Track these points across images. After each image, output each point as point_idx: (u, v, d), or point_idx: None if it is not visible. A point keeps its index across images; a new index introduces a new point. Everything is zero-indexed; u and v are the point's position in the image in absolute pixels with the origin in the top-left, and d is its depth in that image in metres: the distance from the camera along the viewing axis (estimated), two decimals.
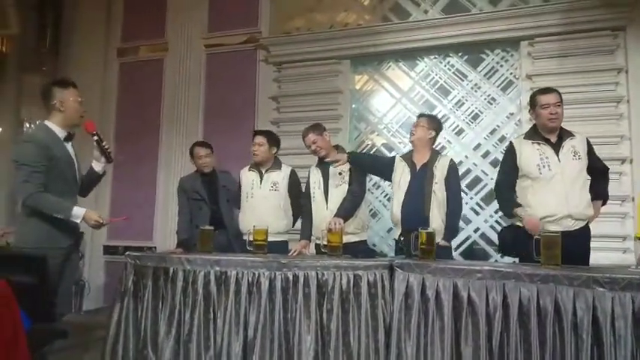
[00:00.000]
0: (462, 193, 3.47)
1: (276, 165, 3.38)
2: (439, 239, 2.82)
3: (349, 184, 3.09)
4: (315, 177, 3.22)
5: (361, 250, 2.84)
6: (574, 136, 2.74)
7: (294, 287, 2.42)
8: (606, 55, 3.99)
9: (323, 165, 3.21)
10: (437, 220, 2.86)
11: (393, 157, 3.24)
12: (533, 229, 2.57)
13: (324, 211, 3.08)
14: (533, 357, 1.93)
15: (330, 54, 4.75)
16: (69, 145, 2.65)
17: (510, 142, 2.91)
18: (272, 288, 2.46)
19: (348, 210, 2.99)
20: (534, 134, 2.78)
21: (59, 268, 2.51)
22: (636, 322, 1.80)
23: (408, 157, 3.10)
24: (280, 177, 3.32)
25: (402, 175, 3.02)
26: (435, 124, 3.12)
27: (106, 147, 2.71)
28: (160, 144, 5.24)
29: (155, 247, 4.89)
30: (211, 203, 3.49)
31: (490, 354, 2.01)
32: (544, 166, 2.68)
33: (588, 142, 2.74)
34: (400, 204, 2.96)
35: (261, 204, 3.26)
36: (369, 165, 3.32)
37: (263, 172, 3.34)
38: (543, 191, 2.66)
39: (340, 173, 3.12)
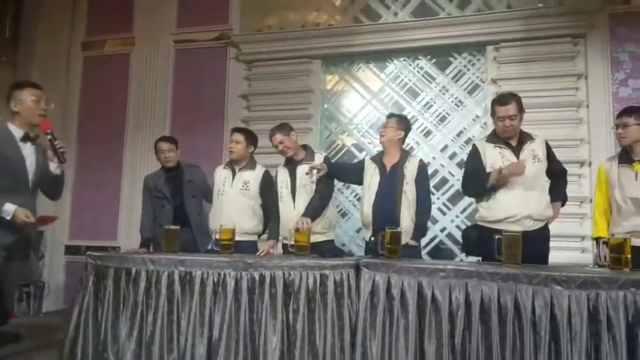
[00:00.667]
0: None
1: (251, 165, 3.32)
2: (408, 239, 2.86)
3: (317, 184, 3.09)
4: (283, 177, 3.20)
5: (328, 249, 2.84)
6: (534, 139, 2.79)
7: (260, 287, 2.40)
8: (567, 61, 4.13)
9: (290, 165, 3.20)
10: (406, 219, 2.89)
11: (363, 160, 3.26)
12: (519, 171, 2.63)
13: (291, 211, 3.07)
14: (493, 354, 1.97)
15: (301, 53, 4.75)
16: (27, 146, 2.64)
17: (474, 145, 2.96)
18: (238, 288, 2.43)
19: (316, 209, 2.99)
20: (495, 137, 2.83)
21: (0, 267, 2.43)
22: (591, 319, 1.86)
23: (377, 159, 3.12)
24: (253, 177, 3.27)
25: (372, 176, 3.05)
26: (404, 124, 3.15)
27: (59, 147, 2.67)
28: (126, 141, 5.13)
29: (119, 247, 4.77)
30: (174, 200, 3.41)
31: (452, 351, 2.05)
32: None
33: (547, 145, 2.81)
34: (371, 205, 2.98)
35: (231, 203, 3.22)
36: (341, 175, 3.34)
37: (236, 170, 3.30)
38: (503, 193, 2.72)
39: (307, 173, 3.11)
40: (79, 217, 5.12)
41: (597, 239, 2.65)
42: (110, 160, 5.10)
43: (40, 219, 2.73)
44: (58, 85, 5.22)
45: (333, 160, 4.20)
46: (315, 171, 3.02)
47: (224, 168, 3.36)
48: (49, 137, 2.64)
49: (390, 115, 3.25)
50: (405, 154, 3.09)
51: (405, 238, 2.84)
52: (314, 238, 2.87)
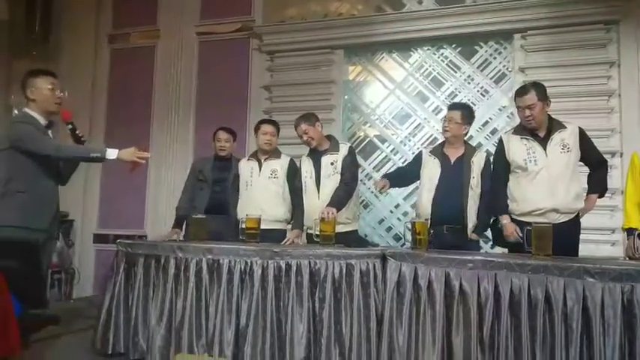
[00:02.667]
0: None
1: (276, 154, 3.38)
2: (471, 233, 2.87)
3: (341, 174, 3.08)
4: (307, 167, 3.20)
5: (354, 239, 2.85)
6: (565, 127, 2.72)
7: (286, 276, 2.43)
8: (599, 48, 4.01)
9: (315, 155, 3.19)
10: (473, 214, 2.87)
11: (420, 154, 3.16)
12: (509, 235, 2.66)
13: (315, 201, 3.07)
14: (523, 346, 1.96)
15: (323, 43, 4.72)
16: (49, 133, 2.69)
17: (500, 138, 2.91)
18: (264, 276, 2.46)
19: (341, 199, 2.98)
20: (522, 129, 2.77)
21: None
22: (625, 312, 1.83)
23: (438, 151, 3.04)
24: (279, 165, 3.32)
25: (431, 169, 2.98)
26: (469, 117, 3.03)
27: (81, 136, 2.73)
28: (152, 132, 5.19)
29: (146, 236, 4.86)
30: (215, 187, 3.48)
31: (481, 343, 2.03)
32: (530, 161, 2.68)
33: (581, 133, 2.72)
34: (430, 198, 2.91)
35: (260, 192, 3.25)
36: (401, 181, 3.28)
37: (262, 160, 3.33)
38: (529, 186, 2.67)
39: (332, 163, 3.11)
40: (107, 206, 5.22)
41: (629, 230, 2.57)
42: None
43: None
44: (86, 78, 5.33)
45: (356, 151, 4.20)
46: (379, 187, 3.04)
47: (248, 160, 3.40)
48: (69, 126, 2.71)
49: (454, 107, 3.06)
50: (471, 149, 3.03)
51: (472, 233, 2.86)
52: (339, 229, 2.88)
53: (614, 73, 3.97)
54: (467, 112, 3.02)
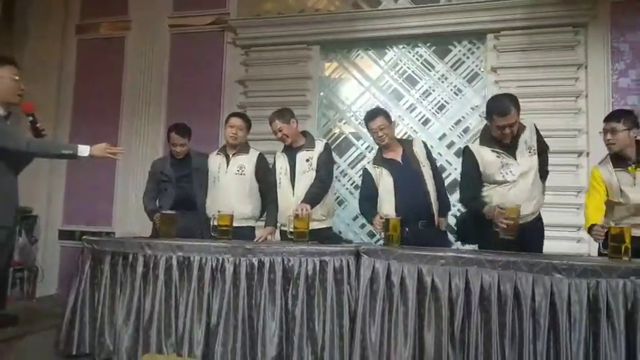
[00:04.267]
0: None
1: (244, 149, 3.32)
2: (438, 219, 2.91)
3: (317, 171, 3.06)
4: (282, 163, 3.16)
5: (328, 236, 2.84)
6: (525, 127, 2.72)
7: (259, 273, 2.40)
8: (568, 50, 4.10)
9: (290, 151, 3.16)
10: (435, 199, 2.91)
11: (366, 171, 3.09)
12: (496, 216, 2.59)
13: (290, 198, 3.04)
14: (493, 342, 1.98)
15: (299, 39, 4.69)
16: (6, 124, 2.59)
17: (467, 149, 2.81)
18: (236, 274, 2.43)
19: (315, 196, 2.96)
20: (490, 140, 2.72)
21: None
22: (590, 307, 1.87)
23: (380, 160, 3.02)
24: (247, 160, 3.26)
25: (385, 180, 2.95)
26: (388, 115, 3.04)
27: (41, 129, 2.65)
28: (121, 126, 5.06)
29: (114, 233, 4.74)
30: (178, 185, 3.40)
31: (452, 339, 2.05)
32: (507, 173, 2.67)
33: (536, 128, 2.75)
34: (393, 206, 2.89)
35: (227, 188, 3.20)
36: (371, 202, 3.06)
37: (230, 155, 3.28)
38: (509, 194, 2.66)
39: (308, 160, 3.08)
40: (73, 201, 5.06)
41: (590, 227, 2.62)
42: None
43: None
44: (51, 68, 5.15)
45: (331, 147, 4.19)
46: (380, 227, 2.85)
47: (217, 154, 3.35)
48: (30, 119, 2.61)
49: (375, 115, 2.99)
50: (406, 142, 3.07)
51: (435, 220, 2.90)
52: (313, 225, 2.86)
53: (582, 74, 4.07)
54: (386, 114, 3.02)
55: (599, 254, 2.54)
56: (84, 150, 2.51)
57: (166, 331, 2.47)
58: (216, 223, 2.83)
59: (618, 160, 2.67)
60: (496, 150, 2.70)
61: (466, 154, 2.81)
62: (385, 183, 2.95)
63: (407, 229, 2.78)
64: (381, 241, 2.82)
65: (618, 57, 4.01)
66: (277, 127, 3.10)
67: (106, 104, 5.09)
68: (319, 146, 3.13)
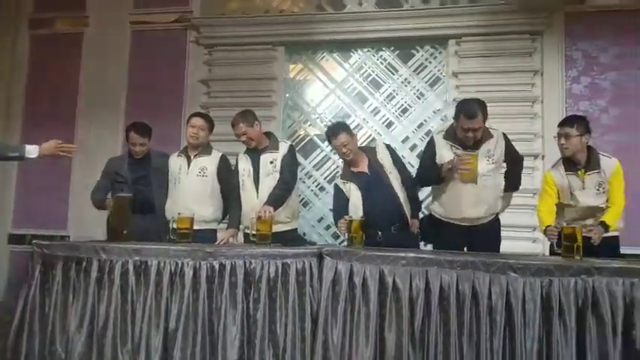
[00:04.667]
0: None
1: (206, 150, 3.24)
2: (411, 220, 2.91)
3: (280, 173, 3.03)
4: (245, 165, 3.11)
5: (291, 238, 2.82)
6: (492, 136, 2.79)
7: (219, 277, 2.35)
8: (525, 57, 4.25)
9: (253, 153, 3.11)
10: (406, 203, 2.91)
11: (337, 186, 3.05)
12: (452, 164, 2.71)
13: (253, 200, 3.00)
14: (451, 340, 2.01)
15: (264, 39, 4.67)
16: None
17: (432, 137, 2.93)
18: (196, 278, 2.36)
19: (278, 198, 2.92)
20: (454, 137, 2.78)
21: None
22: (544, 305, 1.93)
23: (347, 175, 2.99)
24: (209, 162, 3.20)
25: (353, 196, 2.93)
26: (350, 129, 3.02)
27: None
28: (77, 126, 4.90)
29: (69, 237, 4.58)
30: (135, 187, 3.27)
31: (412, 338, 2.07)
32: (459, 170, 2.73)
33: (505, 138, 2.83)
34: (362, 213, 2.85)
35: (188, 190, 3.13)
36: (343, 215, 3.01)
37: (192, 157, 3.21)
38: (457, 194, 2.76)
39: (272, 162, 3.05)
40: (24, 203, 4.85)
41: (546, 228, 2.71)
42: None
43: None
44: (1, 64, 4.92)
45: (296, 149, 4.17)
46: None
47: (178, 155, 3.26)
48: None
49: (335, 132, 2.94)
50: (370, 150, 3.04)
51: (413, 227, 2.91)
52: (278, 228, 2.85)
53: (538, 80, 4.22)
54: (347, 129, 2.99)
55: (552, 253, 2.64)
56: (32, 151, 2.39)
57: (122, 338, 2.38)
58: (175, 226, 2.76)
59: (570, 164, 2.77)
60: (456, 147, 2.77)
61: (429, 143, 2.92)
62: (354, 197, 2.93)
63: (380, 233, 2.83)
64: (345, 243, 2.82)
65: (572, 64, 4.18)
66: (242, 130, 3.04)
67: (61, 104, 4.92)
68: (283, 148, 3.10)
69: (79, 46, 4.99)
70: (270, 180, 3.02)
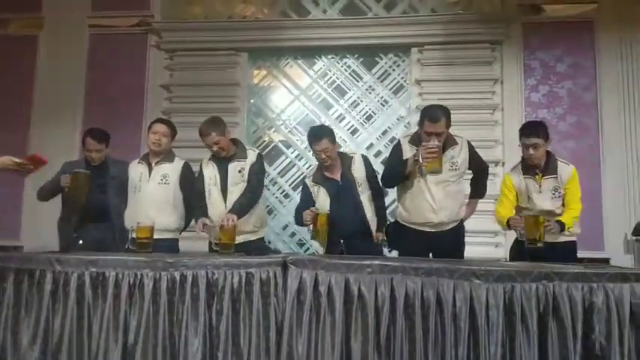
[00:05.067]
0: None
1: (168, 157, 3.14)
2: (376, 233, 2.91)
3: (248, 182, 2.96)
4: (211, 172, 3.01)
5: (256, 247, 2.76)
6: (457, 143, 2.83)
7: (181, 288, 2.27)
8: (485, 66, 4.36)
9: (220, 161, 3.01)
10: (373, 217, 2.91)
11: (306, 185, 3.04)
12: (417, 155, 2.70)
13: (222, 210, 2.89)
14: (417, 348, 2.01)
15: (227, 45, 4.62)
16: None
17: (398, 140, 2.97)
18: (156, 289, 2.28)
19: (244, 207, 2.86)
20: (418, 142, 2.79)
21: None
22: (506, 311, 1.95)
23: (319, 178, 2.98)
24: (171, 170, 3.10)
25: (321, 199, 2.92)
26: (333, 135, 2.98)
27: None
28: (31, 132, 4.71)
29: (22, 247, 4.37)
30: (90, 195, 3.14)
31: (378, 347, 2.06)
32: (422, 175, 2.77)
33: (470, 146, 2.88)
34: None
35: (149, 198, 3.03)
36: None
37: (153, 164, 3.11)
38: (419, 199, 2.78)
39: (240, 171, 2.97)
40: None
41: (508, 220, 2.75)
42: (11, 150, 4.61)
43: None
44: None
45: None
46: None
47: (139, 163, 3.16)
48: None
49: (318, 137, 2.90)
50: (347, 159, 3.00)
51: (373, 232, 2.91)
52: (245, 237, 2.82)
53: (498, 89, 4.34)
54: (331, 135, 2.94)
55: (517, 241, 2.75)
56: None
57: (78, 353, 2.27)
58: (134, 236, 2.67)
59: (528, 168, 2.84)
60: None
61: (396, 146, 2.95)
62: (321, 201, 2.92)
63: (342, 241, 2.83)
64: (311, 250, 2.81)
65: (530, 73, 4.31)
66: (214, 139, 2.91)
67: (14, 109, 4.72)
68: (252, 156, 3.03)
69: (34, 48, 4.81)
70: (238, 189, 2.95)
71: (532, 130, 2.79)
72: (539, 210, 2.76)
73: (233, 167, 2.98)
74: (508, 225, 2.75)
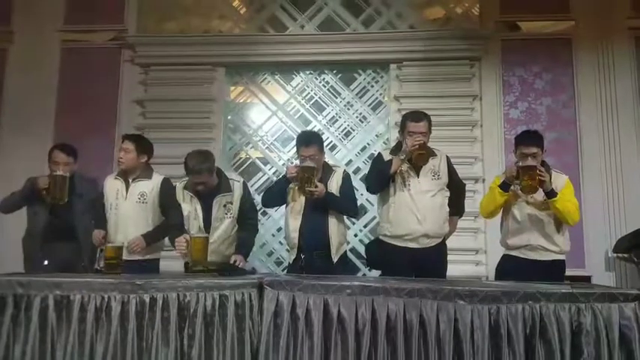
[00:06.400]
0: None
1: (146, 174, 3.00)
2: (337, 256, 2.84)
3: (243, 215, 2.87)
4: (190, 206, 2.83)
5: (228, 268, 2.63)
6: (435, 154, 2.85)
7: (150, 311, 2.16)
8: (464, 82, 4.37)
9: (204, 198, 2.81)
10: (336, 236, 2.84)
11: (287, 182, 2.94)
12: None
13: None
14: None
15: (203, 60, 4.54)
16: None
17: (379, 153, 2.99)
18: (124, 313, 2.17)
19: (250, 247, 2.95)
20: (397, 151, 2.82)
21: None
22: (492, 333, 1.89)
23: None
24: (149, 187, 2.96)
25: (294, 193, 2.88)
26: (322, 142, 2.96)
27: None
28: (0, 145, 4.52)
29: None
30: (55, 209, 3.00)
31: None
32: (405, 185, 2.77)
33: (449, 160, 2.88)
34: (297, 227, 2.83)
35: (127, 217, 2.90)
36: (279, 199, 3.01)
37: (130, 181, 2.97)
38: (403, 210, 2.75)
39: (225, 205, 2.82)
40: None
41: (502, 186, 2.71)
42: None
43: None
44: None
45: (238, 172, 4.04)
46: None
47: (115, 179, 3.01)
48: None
49: (308, 142, 2.86)
50: (328, 169, 2.94)
51: (336, 256, 2.82)
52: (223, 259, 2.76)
53: (477, 105, 4.34)
54: (320, 143, 2.93)
55: (504, 258, 2.78)
56: None
57: None
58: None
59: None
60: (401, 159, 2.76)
61: (377, 158, 2.98)
62: (296, 202, 2.86)
63: (303, 256, 2.80)
64: (285, 270, 2.72)
65: (509, 90, 4.34)
66: (204, 179, 2.73)
67: None
68: (237, 189, 2.88)
69: (4, 62, 4.65)
70: (223, 225, 2.82)
71: (532, 139, 2.76)
72: (527, 214, 2.72)
73: (218, 202, 2.81)
74: (501, 187, 2.68)
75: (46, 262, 2.99)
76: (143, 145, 3.03)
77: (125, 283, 2.21)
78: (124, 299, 2.18)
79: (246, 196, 2.92)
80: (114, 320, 2.16)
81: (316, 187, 2.73)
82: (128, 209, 2.92)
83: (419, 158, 2.73)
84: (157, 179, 3.01)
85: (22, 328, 2.19)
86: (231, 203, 2.85)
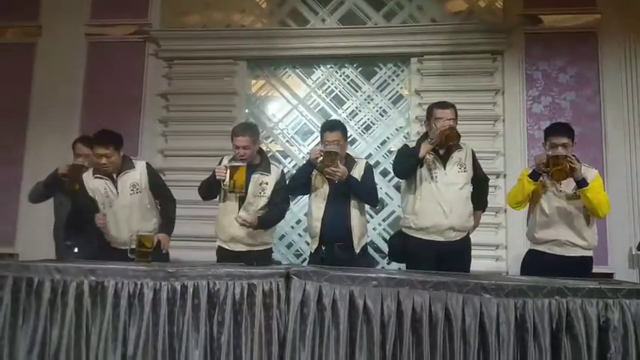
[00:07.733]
0: None
1: (128, 164, 3.02)
2: (359, 247, 2.90)
3: (272, 200, 2.96)
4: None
5: (256, 257, 2.71)
6: (461, 148, 2.86)
7: (181, 298, 2.23)
8: (486, 76, 4.34)
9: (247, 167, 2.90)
10: (358, 227, 2.89)
11: (312, 166, 2.98)
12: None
13: (234, 215, 2.91)
14: None
15: (225, 53, 4.59)
16: None
17: (404, 144, 3.03)
18: (156, 300, 2.24)
19: (270, 222, 2.99)
20: (422, 141, 2.85)
21: None
22: (518, 327, 1.91)
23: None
24: (137, 176, 3.01)
25: (320, 187, 2.94)
26: (345, 130, 3.02)
27: None
28: (27, 140, 4.64)
29: (17, 255, 4.29)
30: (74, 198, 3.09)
31: None
32: (432, 177, 2.78)
33: (473, 154, 2.90)
34: (320, 217, 2.89)
35: (125, 211, 2.96)
36: (302, 185, 3.06)
37: (115, 177, 2.97)
38: (429, 202, 2.77)
39: (261, 184, 2.95)
40: None
41: (532, 175, 2.73)
42: (7, 158, 4.58)
43: None
44: None
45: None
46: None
47: (96, 178, 2.97)
48: None
49: (332, 127, 2.98)
50: (351, 160, 3.00)
51: (358, 247, 2.88)
52: (258, 247, 2.92)
53: (499, 99, 4.31)
54: (344, 129, 3.01)
55: (529, 253, 2.81)
56: None
57: None
58: (134, 246, 2.61)
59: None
60: (429, 152, 2.79)
61: (403, 147, 3.02)
62: (321, 190, 2.93)
63: (324, 248, 2.85)
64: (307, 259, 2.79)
65: (532, 84, 4.29)
66: (245, 143, 2.91)
67: (10, 115, 4.64)
68: (275, 172, 3.04)
69: (32, 56, 4.75)
70: (257, 202, 2.95)
71: (562, 130, 2.77)
72: (556, 207, 2.71)
73: (256, 179, 2.94)
74: (531, 176, 2.70)
75: (76, 250, 3.09)
76: (117, 142, 2.98)
77: (157, 271, 2.29)
78: (156, 286, 2.25)
79: (282, 182, 3.02)
80: (146, 306, 2.23)
81: (339, 168, 2.77)
82: (125, 203, 2.96)
83: (450, 136, 2.72)
84: (140, 165, 3.05)
85: (59, 313, 2.28)
86: (267, 184, 2.95)
